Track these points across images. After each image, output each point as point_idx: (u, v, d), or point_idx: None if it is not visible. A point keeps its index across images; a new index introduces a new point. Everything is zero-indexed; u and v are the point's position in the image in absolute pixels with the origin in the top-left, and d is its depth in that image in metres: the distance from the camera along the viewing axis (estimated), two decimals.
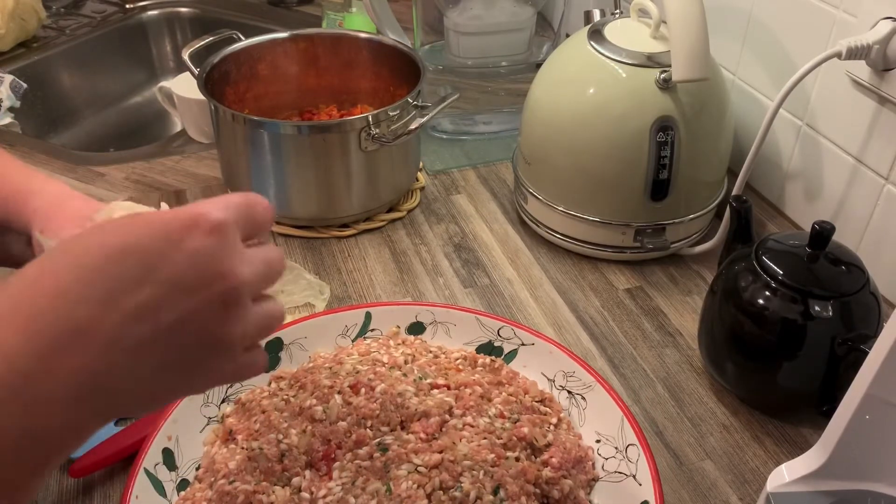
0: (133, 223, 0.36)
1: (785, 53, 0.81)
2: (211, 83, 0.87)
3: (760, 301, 0.62)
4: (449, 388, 0.62)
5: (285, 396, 0.61)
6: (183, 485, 0.58)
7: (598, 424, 0.62)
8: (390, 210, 0.92)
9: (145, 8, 1.46)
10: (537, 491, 0.55)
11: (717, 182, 0.84)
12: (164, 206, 0.45)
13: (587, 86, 0.78)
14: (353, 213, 0.88)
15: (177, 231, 0.35)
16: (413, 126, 0.84)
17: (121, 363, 0.34)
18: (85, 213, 0.56)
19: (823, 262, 0.63)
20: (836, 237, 0.63)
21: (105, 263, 0.34)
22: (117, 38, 1.42)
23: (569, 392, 0.65)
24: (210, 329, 0.36)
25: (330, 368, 0.63)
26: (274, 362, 0.67)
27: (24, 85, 1.21)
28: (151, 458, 0.57)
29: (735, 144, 0.85)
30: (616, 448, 0.60)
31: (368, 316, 0.70)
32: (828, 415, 0.52)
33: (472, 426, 0.59)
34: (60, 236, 0.52)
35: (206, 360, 0.37)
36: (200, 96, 0.85)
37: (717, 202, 0.85)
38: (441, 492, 0.53)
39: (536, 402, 0.63)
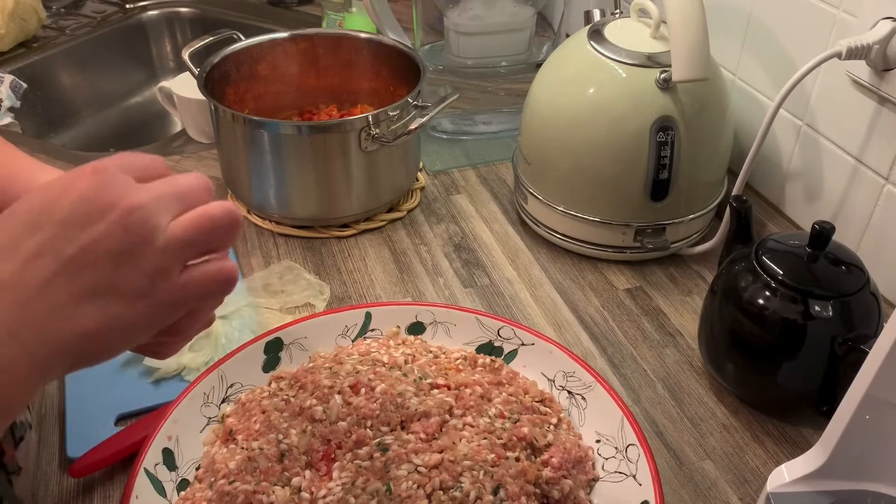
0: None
1: (785, 53, 0.81)
2: (211, 83, 0.87)
3: (760, 301, 0.62)
4: (449, 388, 0.62)
5: (285, 396, 0.61)
6: (183, 485, 0.58)
7: (598, 424, 0.62)
8: (390, 210, 0.92)
9: (145, 8, 1.46)
10: (537, 491, 0.55)
11: (717, 182, 0.84)
12: None
13: (587, 86, 0.78)
14: (353, 213, 0.88)
15: (64, 183, 0.38)
16: (413, 126, 0.84)
17: (36, 302, 0.36)
18: None
19: (823, 262, 0.63)
20: (836, 237, 0.63)
21: (1, 223, 0.37)
22: (117, 38, 1.42)
23: (569, 392, 0.65)
24: (121, 251, 0.37)
25: (330, 368, 0.63)
26: (274, 362, 0.67)
27: (24, 85, 1.21)
28: (151, 458, 0.57)
29: (735, 144, 0.85)
30: (616, 448, 0.60)
31: (368, 316, 0.70)
32: (828, 415, 0.52)
33: (472, 426, 0.59)
34: None
35: (130, 279, 0.38)
36: (200, 96, 0.85)
37: (717, 202, 0.85)
38: (441, 492, 0.53)
39: (536, 402, 0.63)
